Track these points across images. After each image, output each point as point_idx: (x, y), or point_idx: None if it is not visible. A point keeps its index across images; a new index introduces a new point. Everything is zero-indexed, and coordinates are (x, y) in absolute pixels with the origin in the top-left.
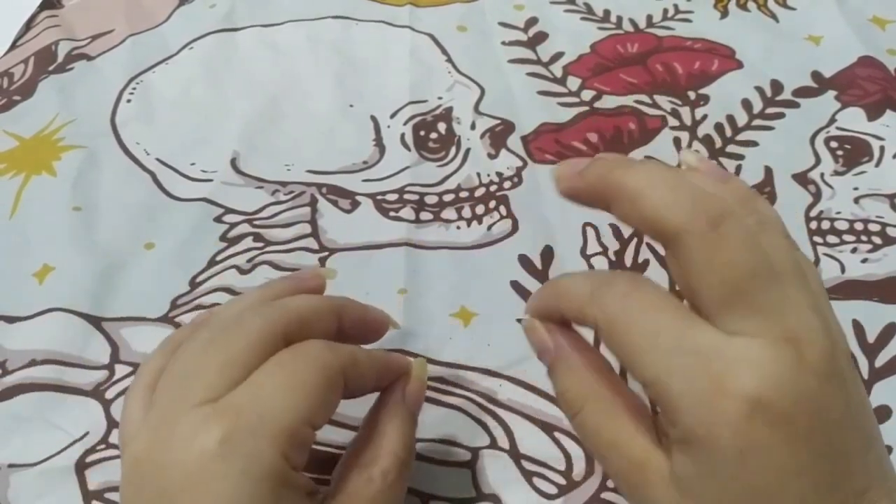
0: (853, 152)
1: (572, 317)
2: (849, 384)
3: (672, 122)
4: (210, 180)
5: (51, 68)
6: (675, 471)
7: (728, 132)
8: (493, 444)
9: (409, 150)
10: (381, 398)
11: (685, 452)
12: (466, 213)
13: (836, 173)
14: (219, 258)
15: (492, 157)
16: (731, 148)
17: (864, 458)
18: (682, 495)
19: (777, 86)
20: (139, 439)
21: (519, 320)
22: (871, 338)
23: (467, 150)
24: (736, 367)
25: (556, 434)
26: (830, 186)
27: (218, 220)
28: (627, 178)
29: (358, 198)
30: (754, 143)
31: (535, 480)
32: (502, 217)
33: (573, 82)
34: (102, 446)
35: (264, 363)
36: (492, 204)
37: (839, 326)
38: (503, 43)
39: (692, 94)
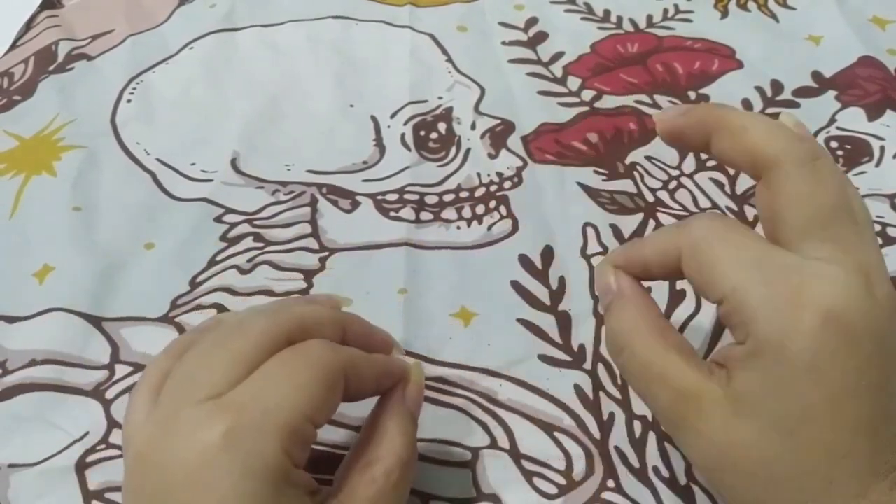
0: (853, 152)
1: (657, 257)
2: None
3: None
4: (210, 180)
5: (51, 68)
6: (737, 389)
7: None
8: (494, 444)
9: (409, 150)
10: (381, 401)
11: (753, 366)
12: (467, 213)
13: None
14: (219, 258)
15: (492, 157)
16: None
17: None
18: (737, 416)
19: (777, 86)
20: (142, 435)
21: (519, 320)
22: None
23: (467, 150)
24: (815, 282)
25: (557, 434)
26: None
27: (218, 220)
28: (732, 115)
29: (358, 198)
30: None
31: (536, 480)
32: (502, 217)
33: (573, 82)
34: (102, 446)
35: (266, 361)
36: (492, 204)
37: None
38: (503, 43)
39: (692, 94)
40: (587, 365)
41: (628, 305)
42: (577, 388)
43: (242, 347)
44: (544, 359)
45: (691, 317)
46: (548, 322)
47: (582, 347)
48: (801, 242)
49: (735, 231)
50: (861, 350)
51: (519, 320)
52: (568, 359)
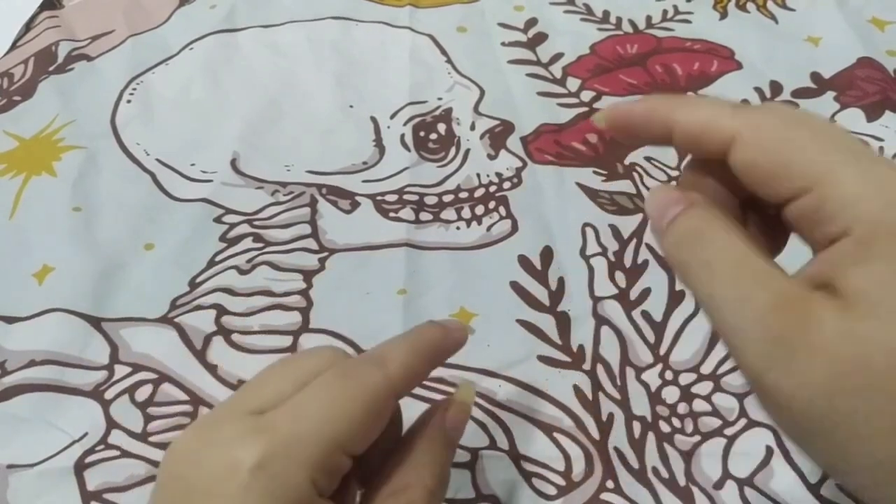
0: None
1: (695, 128)
2: None
3: None
4: (210, 181)
5: (51, 69)
6: (856, 287)
7: None
8: (493, 445)
9: (408, 150)
10: (421, 419)
11: (870, 256)
12: (466, 213)
13: None
14: (218, 258)
15: (491, 157)
16: None
17: None
18: (865, 318)
19: (776, 87)
20: (184, 436)
21: (519, 321)
22: None
23: (467, 151)
24: None
25: (556, 435)
26: None
27: (218, 220)
28: (683, 100)
29: (358, 198)
30: None
31: (535, 481)
32: (502, 217)
33: (573, 83)
34: (101, 447)
35: (312, 381)
36: (491, 204)
37: None
38: (503, 44)
39: (692, 95)
40: (586, 365)
41: (708, 209)
42: (577, 389)
43: (300, 365)
44: (543, 359)
45: (691, 317)
46: (547, 323)
47: (581, 348)
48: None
49: (810, 117)
50: None
51: (518, 321)
52: (567, 359)
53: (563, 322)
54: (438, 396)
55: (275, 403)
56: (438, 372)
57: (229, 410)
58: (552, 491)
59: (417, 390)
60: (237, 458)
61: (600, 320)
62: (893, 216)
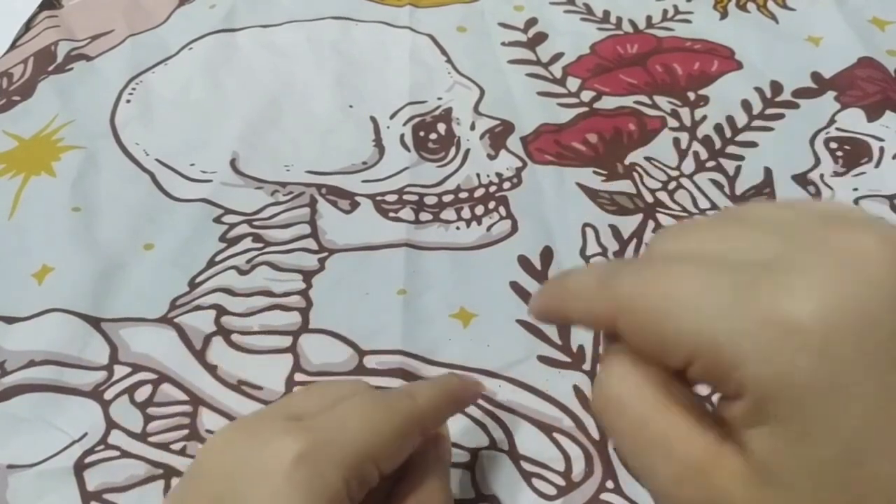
0: (853, 153)
1: (579, 315)
2: None
3: (672, 122)
4: (209, 181)
5: (50, 69)
6: (757, 455)
7: (728, 133)
8: (493, 446)
9: (408, 150)
10: (420, 453)
11: (764, 421)
12: (466, 213)
13: (836, 174)
14: (218, 259)
15: (491, 157)
16: (730, 149)
17: None
18: (768, 485)
19: (777, 87)
20: (226, 429)
21: (519, 322)
22: None
23: (467, 151)
24: (783, 292)
25: (556, 435)
26: (830, 187)
27: (217, 220)
28: (564, 290)
29: (357, 198)
30: (754, 144)
31: (535, 481)
32: (502, 218)
33: (573, 83)
34: (101, 447)
35: (348, 399)
36: (491, 204)
37: None
38: (503, 43)
39: (692, 95)
40: (586, 366)
41: (620, 358)
42: (577, 389)
43: (335, 388)
44: (543, 360)
45: None
46: (547, 329)
47: (581, 348)
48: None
49: (667, 269)
50: (885, 338)
51: (518, 321)
52: (567, 360)
53: (563, 326)
54: None
55: (312, 414)
56: (439, 372)
57: (269, 414)
58: (552, 491)
59: None
60: (279, 450)
61: None
62: (779, 376)
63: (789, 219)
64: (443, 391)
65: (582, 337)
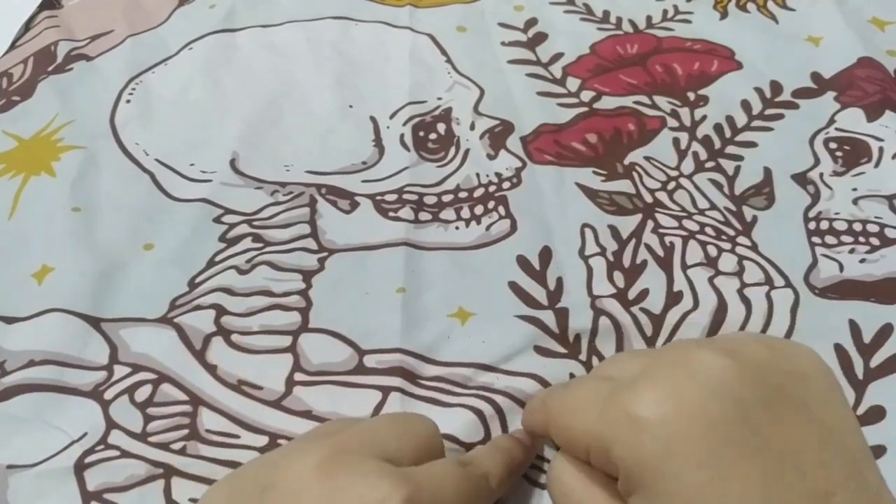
0: (852, 153)
1: (536, 429)
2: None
3: (671, 122)
4: (209, 181)
5: (50, 69)
6: None
7: (727, 133)
8: (488, 438)
9: (408, 150)
10: None
11: (633, 490)
12: (465, 213)
13: (836, 174)
14: (218, 259)
15: (491, 157)
16: (730, 149)
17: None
18: None
19: (776, 87)
20: (299, 465)
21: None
22: (867, 338)
23: (466, 151)
24: (640, 393)
25: None
26: (829, 187)
27: (217, 220)
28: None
29: (357, 198)
30: (753, 144)
31: (530, 472)
32: (501, 217)
33: (573, 83)
34: (101, 447)
35: (434, 461)
36: (490, 204)
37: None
38: (503, 43)
39: (692, 95)
40: (582, 356)
41: (570, 459)
42: (573, 378)
43: (418, 439)
44: (540, 350)
45: (690, 311)
46: (545, 318)
47: (577, 338)
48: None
49: (577, 386)
50: (709, 418)
51: (516, 317)
52: (563, 350)
53: (561, 316)
54: (439, 396)
55: (396, 460)
56: (438, 371)
57: (311, 435)
58: (545, 479)
59: (419, 390)
60: (311, 458)
61: (598, 312)
62: (632, 454)
63: (669, 347)
64: (510, 470)
65: (578, 327)
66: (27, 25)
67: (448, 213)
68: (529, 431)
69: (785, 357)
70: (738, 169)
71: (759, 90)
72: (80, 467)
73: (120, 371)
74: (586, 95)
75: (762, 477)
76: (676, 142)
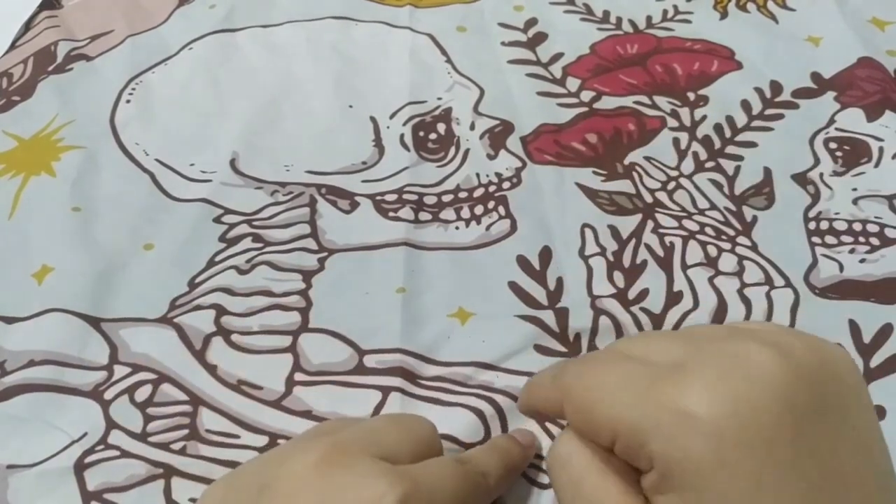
0: (852, 153)
1: (540, 404)
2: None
3: (671, 122)
4: (209, 181)
5: (50, 69)
6: None
7: (727, 133)
8: (488, 437)
9: (408, 150)
10: None
11: (668, 489)
12: (465, 213)
13: (836, 174)
14: (218, 259)
15: (491, 157)
16: (730, 149)
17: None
18: None
19: (776, 87)
20: (297, 462)
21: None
22: (867, 338)
23: (466, 151)
24: (671, 383)
25: (549, 425)
26: (829, 187)
27: (217, 220)
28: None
29: (357, 198)
30: (754, 144)
31: (529, 471)
32: (501, 217)
33: (573, 83)
34: (101, 447)
35: (430, 460)
36: (490, 204)
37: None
38: (503, 43)
39: (691, 95)
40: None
41: (573, 441)
42: None
43: (418, 438)
44: (540, 349)
45: (690, 310)
46: (545, 318)
47: (578, 337)
48: None
49: (599, 364)
50: (763, 425)
51: (516, 317)
52: (564, 350)
53: (561, 316)
54: (439, 395)
55: (393, 459)
56: (438, 371)
57: (311, 434)
58: (546, 480)
59: (419, 390)
60: (310, 455)
61: (598, 312)
62: (677, 453)
63: (704, 332)
64: (508, 469)
65: (579, 326)
66: (27, 25)
67: (448, 213)
68: (529, 409)
69: (827, 359)
70: (738, 169)
71: (759, 90)
72: (80, 467)
73: (120, 371)
74: (586, 95)
75: (806, 492)
76: (676, 142)
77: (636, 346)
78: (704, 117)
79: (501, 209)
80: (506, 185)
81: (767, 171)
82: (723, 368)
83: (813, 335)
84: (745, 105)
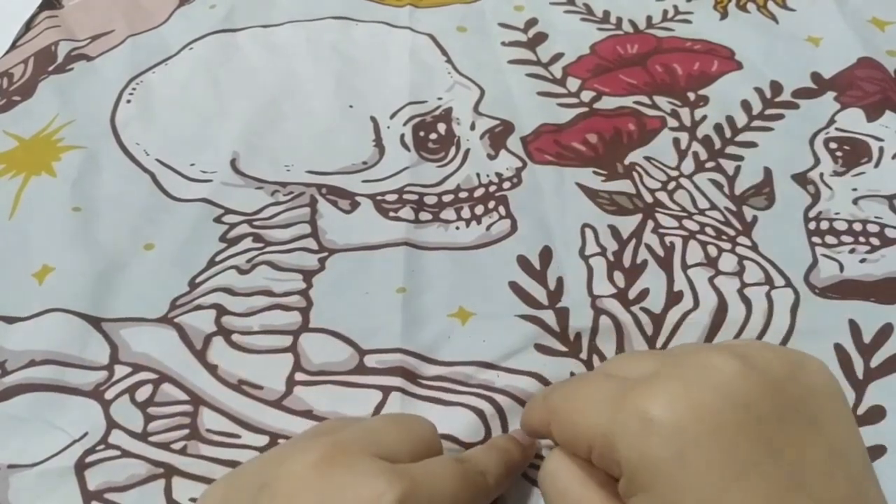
0: (852, 153)
1: (537, 426)
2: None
3: (671, 122)
4: (210, 181)
5: (51, 69)
6: None
7: (727, 133)
8: (489, 437)
9: (408, 150)
10: None
11: (636, 491)
12: (465, 213)
13: (836, 174)
14: (218, 258)
15: (491, 157)
16: (730, 149)
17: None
18: None
19: (776, 87)
20: (297, 462)
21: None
22: (867, 338)
23: (467, 151)
24: (638, 389)
25: None
26: (829, 187)
27: (217, 220)
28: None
29: (357, 198)
30: (754, 144)
31: (530, 471)
32: (501, 217)
33: (573, 83)
34: (102, 447)
35: (430, 458)
36: (491, 204)
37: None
38: (503, 43)
39: (692, 95)
40: (583, 355)
41: (562, 457)
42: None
43: (418, 436)
44: (541, 348)
45: (690, 310)
46: (545, 318)
47: (578, 336)
48: None
49: (582, 385)
50: (723, 427)
51: (517, 317)
52: (564, 349)
53: (562, 316)
54: (439, 395)
55: (393, 459)
56: (439, 371)
57: (311, 434)
58: None
59: (419, 390)
60: (311, 455)
61: (598, 312)
62: (640, 455)
63: (683, 348)
64: (508, 469)
65: (579, 326)
66: (27, 25)
67: (448, 213)
68: (529, 430)
69: (798, 370)
70: (738, 169)
71: (759, 90)
72: (80, 467)
73: (120, 371)
74: (586, 95)
75: (768, 491)
76: (676, 142)
77: (618, 365)
78: (704, 117)
79: (502, 209)
80: (506, 185)
81: (767, 171)
82: (687, 378)
83: (794, 350)
84: (746, 105)
